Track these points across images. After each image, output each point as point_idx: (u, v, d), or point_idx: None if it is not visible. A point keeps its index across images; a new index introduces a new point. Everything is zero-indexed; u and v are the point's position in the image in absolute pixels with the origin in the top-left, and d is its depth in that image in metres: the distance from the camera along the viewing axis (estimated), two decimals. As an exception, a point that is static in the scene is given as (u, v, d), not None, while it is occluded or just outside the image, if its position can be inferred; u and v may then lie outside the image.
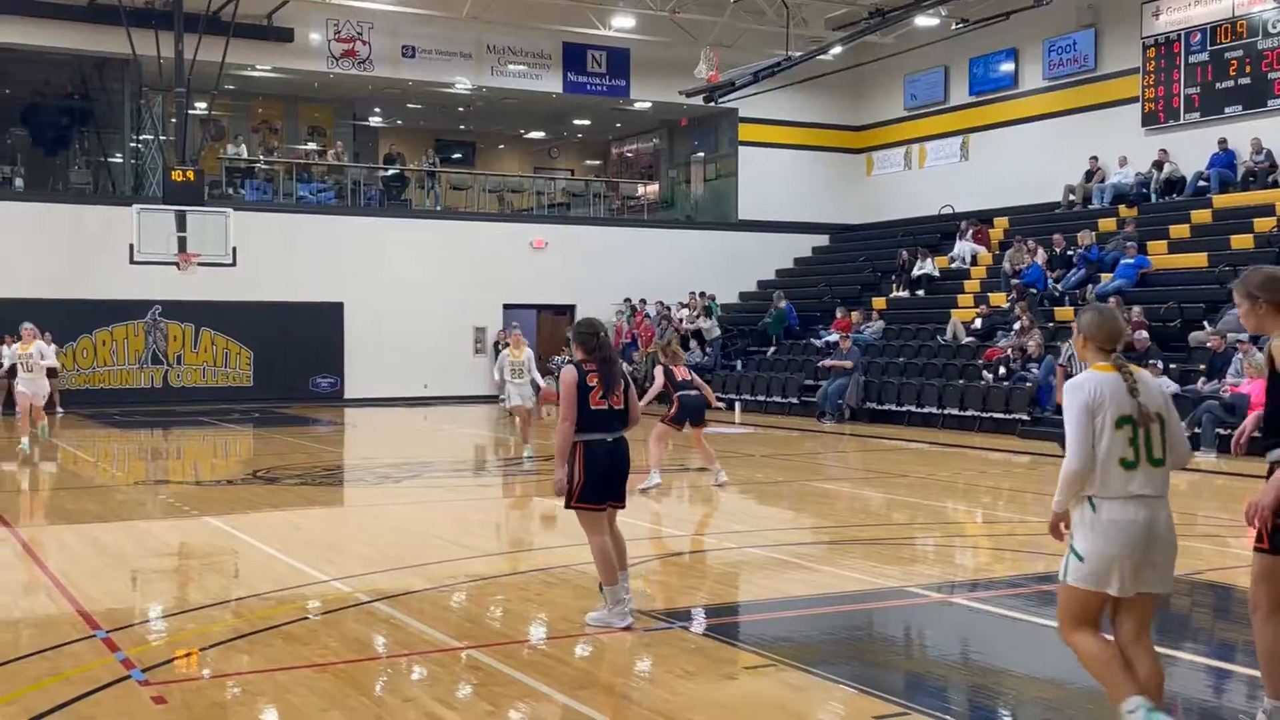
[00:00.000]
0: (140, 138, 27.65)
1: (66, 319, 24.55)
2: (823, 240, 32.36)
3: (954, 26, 24.12)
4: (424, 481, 14.13)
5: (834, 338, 24.64)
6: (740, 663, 6.17)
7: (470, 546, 9.44)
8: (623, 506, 6.91)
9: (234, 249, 23.03)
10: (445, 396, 27.98)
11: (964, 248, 26.36)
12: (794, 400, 23.99)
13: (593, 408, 6.66)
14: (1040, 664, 6.26)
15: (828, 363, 23.29)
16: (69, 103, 28.96)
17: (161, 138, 26.07)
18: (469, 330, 28.78)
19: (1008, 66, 27.84)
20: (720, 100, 26.96)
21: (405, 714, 5.36)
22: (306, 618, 7.14)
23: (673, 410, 13.01)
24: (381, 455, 17.36)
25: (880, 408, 22.06)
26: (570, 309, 30.07)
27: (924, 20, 25.11)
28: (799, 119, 31.49)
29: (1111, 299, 20.32)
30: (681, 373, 13.23)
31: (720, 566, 8.84)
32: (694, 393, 13.09)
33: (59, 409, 23.20)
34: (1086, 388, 4.56)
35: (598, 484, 6.69)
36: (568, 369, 6.80)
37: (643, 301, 29.86)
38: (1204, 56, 23.55)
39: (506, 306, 29.32)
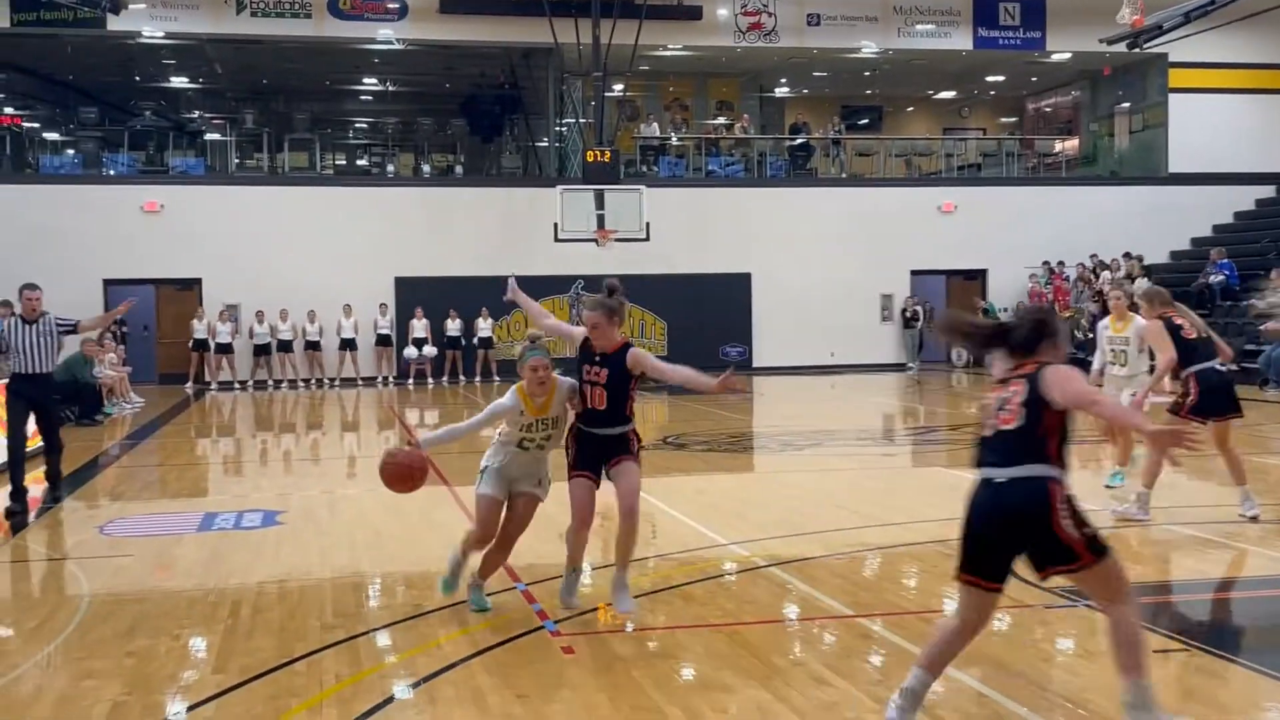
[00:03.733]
0: (563, 122, 29.41)
1: (500, 295, 26.58)
2: (1268, 191, 29.49)
3: None
4: (826, 449, 14.22)
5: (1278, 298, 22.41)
6: (1150, 645, 5.80)
7: (867, 515, 9.43)
8: None
9: (647, 224, 24.06)
10: (852, 365, 27.97)
11: None
12: (1234, 366, 22.02)
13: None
14: None
15: (1271, 326, 21.25)
16: (500, 92, 31.23)
17: (581, 121, 27.60)
18: (876, 298, 28.57)
19: None
20: (1146, 46, 25.10)
21: (794, 675, 5.47)
22: (706, 579, 7.41)
23: (1191, 397, 8.91)
24: (786, 423, 17.61)
25: (1333, 375, 19.88)
26: (981, 274, 29.20)
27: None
28: (1238, 60, 28.83)
29: None
30: (1189, 328, 8.94)
31: (1136, 544, 8.34)
32: (1219, 366, 9.03)
33: (495, 377, 25.40)
34: None
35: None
36: None
37: (1061, 264, 28.45)
38: None
39: (914, 273, 28.87)
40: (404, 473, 6.24)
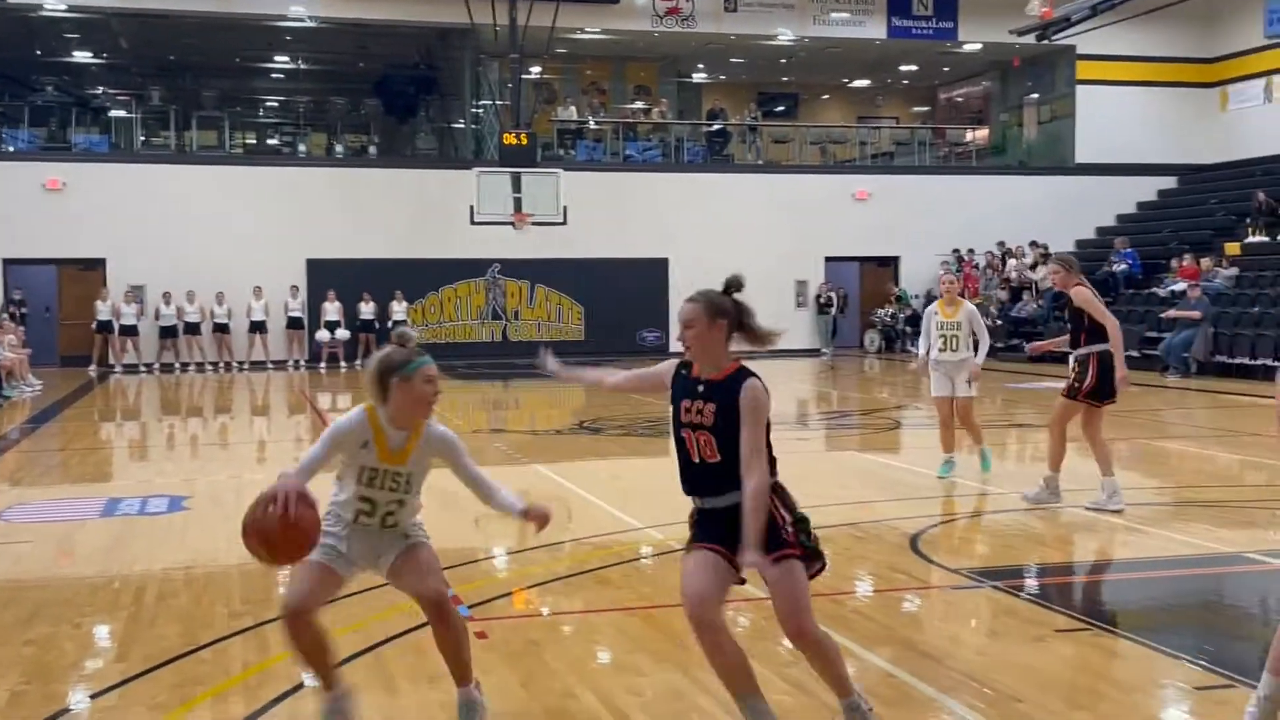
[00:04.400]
0: (479, 104, 29.18)
1: (414, 278, 26.44)
2: (1169, 183, 30.26)
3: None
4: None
5: (1180, 286, 23.04)
6: (1052, 625, 5.93)
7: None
8: None
9: (565, 208, 23.98)
10: (767, 350, 28.14)
11: (1333, 186, 23.98)
12: (1135, 354, 22.60)
13: None
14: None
15: (1172, 313, 21.83)
16: (415, 73, 30.89)
17: (498, 103, 27.40)
18: (791, 284, 28.80)
19: (1389, -18, 24.99)
20: (1055, 38, 25.59)
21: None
22: (622, 563, 7.42)
23: (1090, 379, 8.80)
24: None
25: (1231, 361, 20.49)
26: (894, 261, 29.58)
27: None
28: (1143, 53, 29.51)
29: None
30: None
31: (1043, 527, 8.51)
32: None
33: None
34: None
35: None
36: None
37: (971, 252, 28.93)
38: None
39: (828, 259, 29.16)
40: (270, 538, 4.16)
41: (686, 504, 4.41)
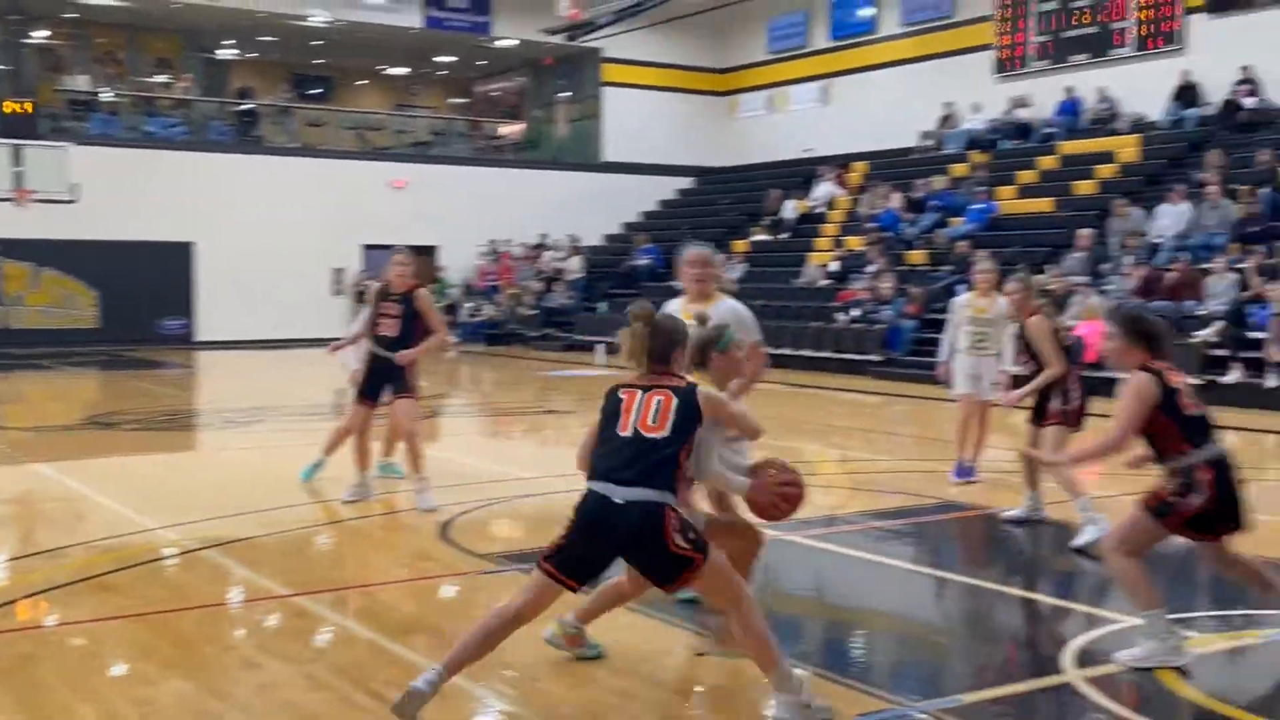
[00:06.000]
0: (-28, 67, 26.28)
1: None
2: (689, 183, 32.42)
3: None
4: (271, 426, 13.81)
5: (695, 280, 24.70)
6: (572, 604, 6.15)
7: (315, 491, 9.25)
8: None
9: (75, 185, 22.09)
10: (302, 339, 27.37)
11: (824, 191, 26.67)
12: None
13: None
14: (886, 601, 6.39)
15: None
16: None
17: (-2, 67, 24.80)
18: (327, 271, 28.17)
19: (867, 12, 28.09)
20: (583, 39, 26.68)
21: (224, 661, 5.25)
22: (134, 566, 6.93)
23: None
24: (229, 400, 16.92)
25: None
26: (432, 250, 29.69)
27: (785, -37, 25.13)
28: (663, 60, 31.38)
29: (961, 243, 20.83)
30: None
31: (562, 509, 8.82)
32: None
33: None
34: None
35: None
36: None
37: (508, 243, 29.59)
38: (1053, 5, 24.07)
39: (367, 247, 28.78)
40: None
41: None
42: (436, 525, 7.96)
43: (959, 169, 24.01)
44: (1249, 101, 20.75)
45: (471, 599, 6.41)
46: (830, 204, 26.21)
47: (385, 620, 5.85)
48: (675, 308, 6.06)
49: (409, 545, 7.57)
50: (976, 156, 24.15)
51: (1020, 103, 24.37)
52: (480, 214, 29.39)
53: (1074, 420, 7.93)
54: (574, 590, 4.60)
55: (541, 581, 4.50)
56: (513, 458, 10.54)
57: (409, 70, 34.98)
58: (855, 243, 23.35)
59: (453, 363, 23.03)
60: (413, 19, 28.85)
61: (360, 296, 27.98)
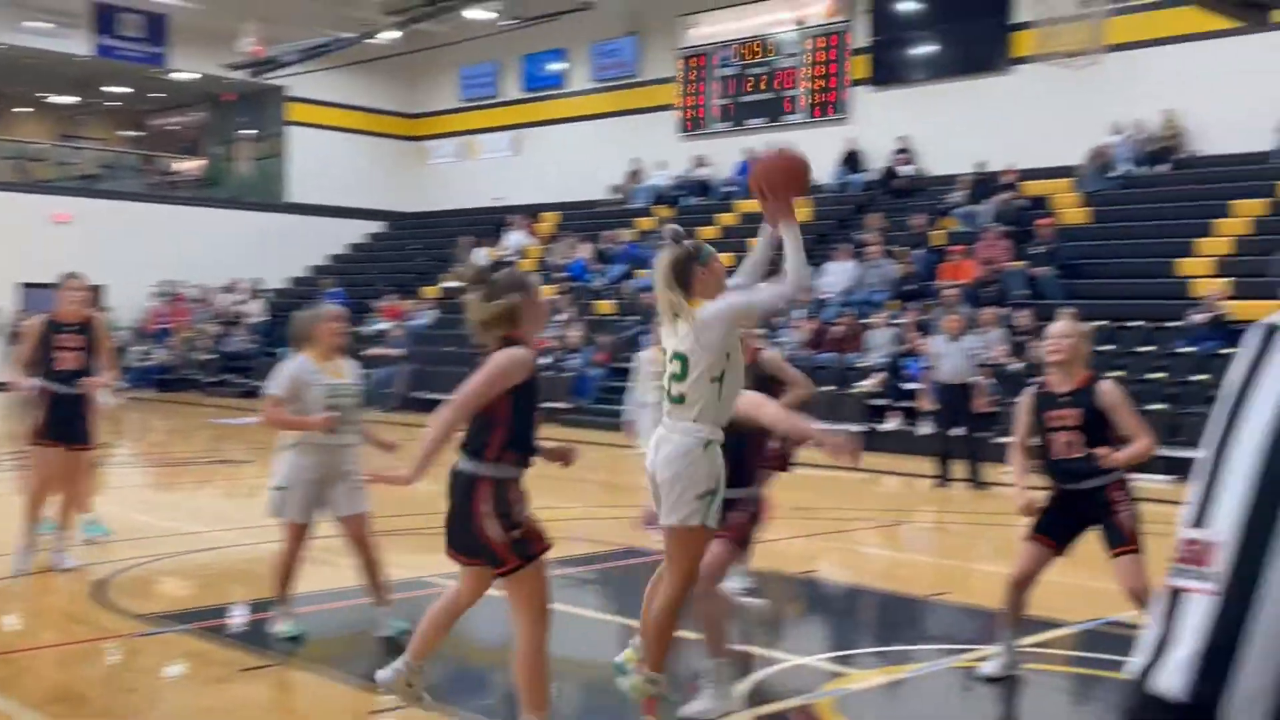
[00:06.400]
0: None
1: None
2: (380, 227, 31.94)
3: (506, 22, 24.49)
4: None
5: (384, 326, 24.35)
6: (238, 665, 5.85)
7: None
8: None
9: None
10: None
11: (515, 240, 26.88)
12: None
13: None
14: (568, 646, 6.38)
15: (376, 351, 22.99)
16: None
17: None
18: (-23, 311, 25.99)
19: (557, 66, 28.66)
20: (266, 77, 25.93)
21: None
22: None
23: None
24: None
25: (430, 397, 22.00)
26: (99, 289, 27.89)
27: (476, 13, 25.29)
28: (352, 102, 30.89)
29: (648, 294, 21.44)
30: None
31: (233, 565, 8.41)
32: None
33: None
34: None
35: None
36: None
37: (183, 284, 28.19)
38: (731, 71, 25.32)
39: (27, 285, 26.74)
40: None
41: None
42: (90, 585, 7.40)
43: (645, 223, 24.76)
44: (905, 169, 22.45)
45: (125, 663, 5.98)
46: (521, 253, 26.43)
47: (30, 689, 5.36)
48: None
49: (60, 606, 7.00)
50: (662, 211, 24.97)
51: (701, 161, 25.43)
52: (154, 253, 27.88)
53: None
54: None
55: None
56: (181, 511, 9.96)
57: (77, 99, 32.92)
58: (546, 292, 23.57)
59: (120, 409, 21.64)
60: (82, 46, 27.19)
61: (14, 338, 26.08)
